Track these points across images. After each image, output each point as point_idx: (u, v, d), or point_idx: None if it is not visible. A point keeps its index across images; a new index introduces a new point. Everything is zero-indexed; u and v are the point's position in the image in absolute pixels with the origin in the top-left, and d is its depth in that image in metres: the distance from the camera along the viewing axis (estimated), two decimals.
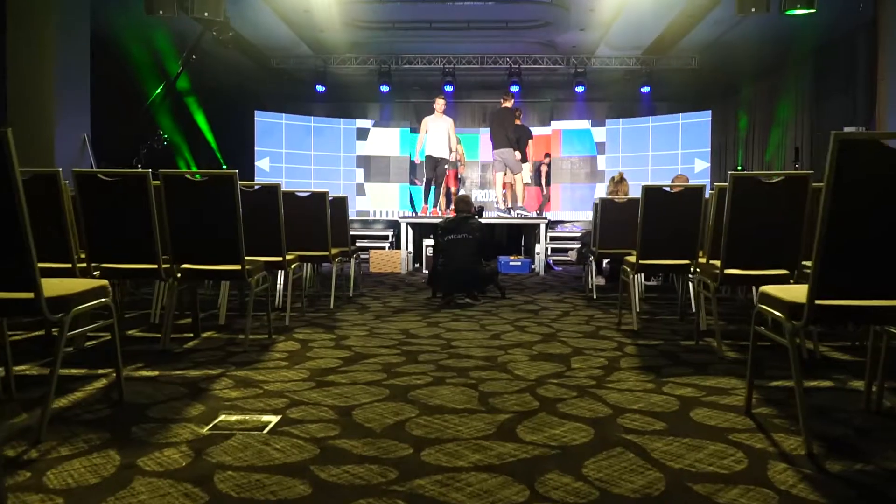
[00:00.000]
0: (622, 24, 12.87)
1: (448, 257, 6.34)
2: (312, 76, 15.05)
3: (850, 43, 11.43)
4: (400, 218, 10.16)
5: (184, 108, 12.80)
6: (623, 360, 3.89)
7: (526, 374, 3.50)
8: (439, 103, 10.74)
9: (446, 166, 10.95)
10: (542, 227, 9.77)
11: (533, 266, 10.24)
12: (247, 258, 4.18)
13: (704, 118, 14.74)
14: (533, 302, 6.57)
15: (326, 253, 5.95)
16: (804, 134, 13.01)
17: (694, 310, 5.16)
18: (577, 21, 12.94)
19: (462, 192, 13.92)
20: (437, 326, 5.05)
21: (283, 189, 4.97)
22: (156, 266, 4.01)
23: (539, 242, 9.83)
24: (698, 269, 4.68)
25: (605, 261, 7.37)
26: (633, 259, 5.05)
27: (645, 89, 14.91)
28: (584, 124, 15.99)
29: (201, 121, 13.48)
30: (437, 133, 10.61)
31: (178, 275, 4.18)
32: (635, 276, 5.15)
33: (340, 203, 6.87)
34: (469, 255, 6.30)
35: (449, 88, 15.02)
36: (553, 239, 12.53)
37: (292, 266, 5.13)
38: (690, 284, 5.01)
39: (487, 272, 6.56)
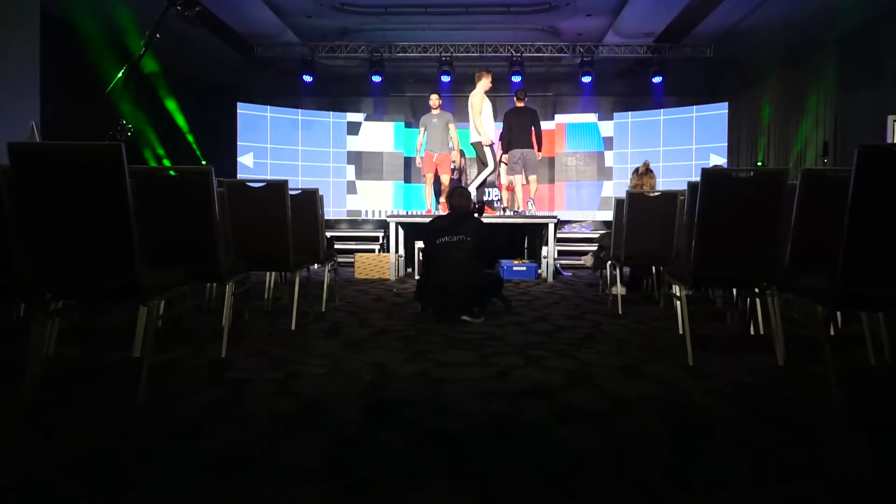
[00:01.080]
0: (632, 9, 11.58)
1: (440, 264, 5.03)
2: (299, 66, 13.74)
3: (878, 29, 10.11)
4: (389, 217, 8.80)
5: (153, 97, 11.38)
6: (701, 419, 2.58)
7: (554, 459, 2.19)
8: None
9: (453, 165, 9.93)
10: (551, 227, 8.44)
11: (540, 271, 8.94)
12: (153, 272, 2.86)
13: (720, 111, 13.43)
14: (545, 318, 5.26)
15: (287, 259, 4.63)
16: (832, 127, 11.71)
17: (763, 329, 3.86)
18: (583, 5, 11.64)
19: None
20: (424, 359, 3.74)
21: (233, 179, 3.68)
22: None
23: (547, 245, 8.51)
24: (776, 287, 3.38)
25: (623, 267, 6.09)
26: (674, 267, 3.74)
27: (656, 79, 13.60)
28: (591, 118, 14.68)
29: (175, 111, 12.10)
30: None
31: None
32: (683, 290, 3.83)
33: (309, 198, 5.55)
34: (466, 261, 4.99)
35: (446, 79, 13.70)
36: (560, 241, 11.20)
37: (233, 279, 3.83)
38: (770, 303, 3.65)
39: (489, 282, 5.24)
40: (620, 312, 5.49)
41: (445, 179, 9.61)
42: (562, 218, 13.28)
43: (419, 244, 8.64)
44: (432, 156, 9.52)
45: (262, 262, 4.72)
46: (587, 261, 7.38)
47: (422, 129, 9.80)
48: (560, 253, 10.46)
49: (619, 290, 6.14)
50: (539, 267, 8.92)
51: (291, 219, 4.72)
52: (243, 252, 4.54)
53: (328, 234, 7.03)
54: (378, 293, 7.05)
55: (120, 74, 9.42)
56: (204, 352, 3.83)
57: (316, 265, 6.15)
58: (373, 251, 11.02)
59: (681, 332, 4.19)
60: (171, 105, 11.91)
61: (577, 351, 3.98)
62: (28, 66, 7.87)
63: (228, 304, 3.82)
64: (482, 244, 5.07)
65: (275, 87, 14.74)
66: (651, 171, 6.55)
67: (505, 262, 8.84)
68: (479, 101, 9.25)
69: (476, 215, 5.37)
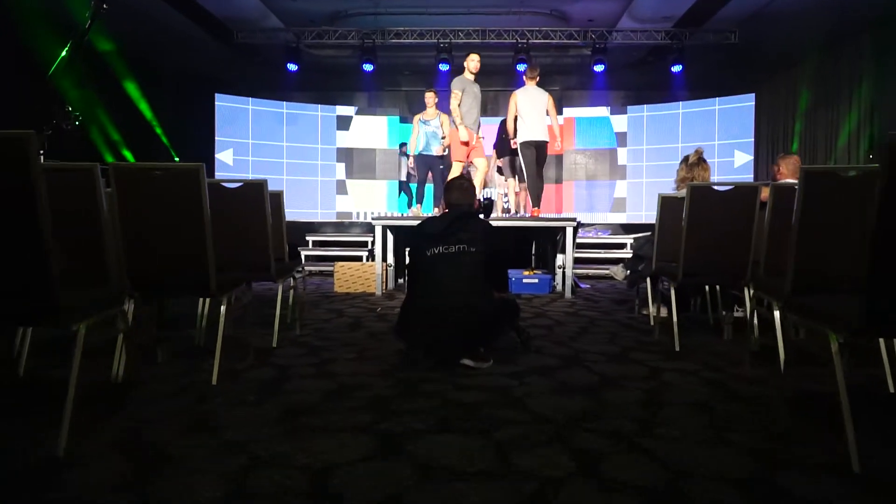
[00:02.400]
0: None
1: (432, 285, 3.46)
2: (284, 54, 12.18)
3: None
4: (375, 219, 7.19)
5: (109, 80, 9.72)
6: None
7: None
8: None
9: (442, 167, 8.48)
10: (569, 232, 6.86)
11: (554, 283, 7.38)
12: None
13: (747, 103, 11.90)
14: (578, 359, 3.70)
15: (205, 279, 3.06)
16: (872, 120, 10.16)
17: None
18: None
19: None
20: (398, 456, 2.16)
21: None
22: None
23: (564, 252, 6.93)
24: None
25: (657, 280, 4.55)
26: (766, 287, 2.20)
27: (676, 68, 12.05)
28: (602, 111, 13.13)
29: (139, 99, 10.46)
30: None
31: None
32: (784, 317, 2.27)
33: (254, 194, 3.97)
34: (469, 280, 3.45)
35: (444, 67, 12.15)
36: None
37: (123, 304, 2.29)
38: None
39: (501, 310, 3.65)
40: (677, 349, 3.92)
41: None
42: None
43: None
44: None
45: (162, 282, 3.15)
46: (616, 273, 5.82)
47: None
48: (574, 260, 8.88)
49: (659, 311, 4.64)
50: (553, 279, 7.36)
51: (228, 221, 3.17)
52: (142, 268, 2.99)
53: (324, 238, 5.47)
54: (357, 314, 5.48)
55: (64, 53, 7.86)
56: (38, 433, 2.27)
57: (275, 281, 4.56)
58: (360, 259, 9.46)
59: (772, 386, 2.64)
60: (133, 91, 10.30)
61: (650, 434, 2.41)
62: None
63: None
64: (492, 257, 3.50)
65: (257, 78, 13.17)
66: (705, 162, 5.00)
67: (512, 273, 7.30)
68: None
69: (482, 216, 3.83)
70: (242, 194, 4.19)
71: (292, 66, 12.15)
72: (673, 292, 3.99)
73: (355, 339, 4.31)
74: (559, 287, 7.46)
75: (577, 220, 6.99)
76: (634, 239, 5.34)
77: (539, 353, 3.87)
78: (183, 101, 12.12)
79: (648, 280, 4.97)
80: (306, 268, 9.47)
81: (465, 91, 7.42)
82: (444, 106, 8.37)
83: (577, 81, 14.04)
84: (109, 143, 9.39)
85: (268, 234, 4.15)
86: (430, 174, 8.55)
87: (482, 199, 5.83)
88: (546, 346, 4.11)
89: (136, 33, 9.96)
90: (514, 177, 9.23)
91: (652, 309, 4.98)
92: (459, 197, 3.66)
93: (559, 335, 4.53)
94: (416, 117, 8.46)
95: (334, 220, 12.55)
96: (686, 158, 5.07)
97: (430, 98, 8.43)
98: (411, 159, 8.37)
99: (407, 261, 7.19)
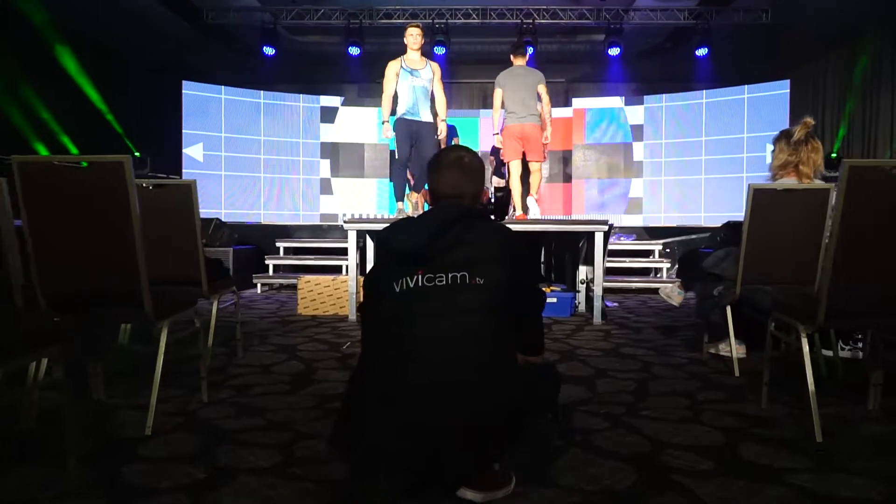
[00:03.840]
0: None
1: (405, 351, 1.75)
2: (260, 36, 10.59)
3: None
4: (348, 223, 5.50)
5: (45, 60, 8.03)
6: None
7: None
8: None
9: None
10: (598, 238, 5.22)
11: (577, 303, 5.78)
12: None
13: (780, 90, 10.27)
14: (661, 466, 2.09)
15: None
16: None
17: None
18: None
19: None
20: None
21: None
22: None
23: (592, 264, 5.28)
24: None
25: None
26: None
27: (700, 52, 10.46)
28: (615, 102, 11.50)
29: (85, 85, 8.78)
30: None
31: None
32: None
33: (181, 197, 2.40)
34: (475, 341, 1.76)
35: (441, 51, 10.56)
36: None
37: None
38: None
39: (532, 392, 1.87)
40: (819, 439, 2.30)
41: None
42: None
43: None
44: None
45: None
46: (671, 295, 4.20)
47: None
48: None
49: (734, 349, 3.09)
50: (575, 298, 5.75)
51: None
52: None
53: (297, 244, 3.90)
54: (313, 354, 3.86)
55: None
56: None
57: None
58: (340, 271, 7.83)
59: None
60: (77, 74, 8.65)
61: None
62: None
63: None
64: (519, 291, 1.87)
65: (231, 64, 11.54)
66: (814, 139, 3.43)
67: None
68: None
69: (496, 216, 2.22)
70: (164, 198, 2.78)
71: (269, 51, 10.58)
72: (805, 342, 2.37)
73: (299, 405, 2.69)
74: (581, 306, 5.85)
75: (610, 222, 5.35)
76: (712, 255, 3.72)
77: (587, 445, 2.25)
78: (145, 89, 10.48)
79: (729, 309, 3.37)
80: (276, 281, 7.83)
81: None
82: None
83: (588, 70, 12.44)
84: (42, 131, 7.72)
85: (198, 248, 2.67)
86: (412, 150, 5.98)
87: (492, 192, 3.86)
88: (594, 424, 2.49)
89: (89, 9, 8.34)
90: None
91: (733, 349, 3.39)
92: (458, 181, 1.96)
93: (607, 396, 2.91)
94: (394, 63, 5.94)
95: (318, 222, 10.93)
96: (787, 134, 3.50)
97: (415, 36, 5.93)
98: (386, 127, 5.99)
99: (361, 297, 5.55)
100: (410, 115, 5.90)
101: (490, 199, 3.17)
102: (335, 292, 5.55)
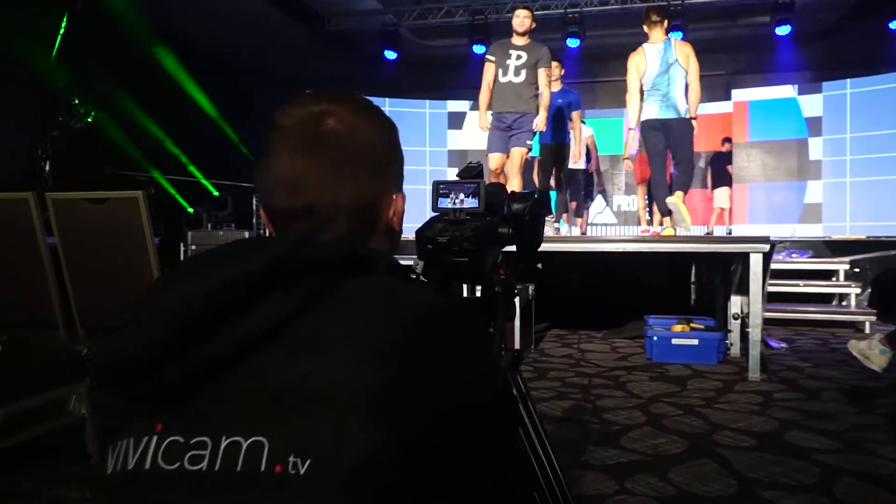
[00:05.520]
0: None
1: None
2: (381, 40, 9.87)
3: None
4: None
5: (153, 74, 7.58)
6: None
7: None
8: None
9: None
10: (755, 260, 3.75)
11: (729, 344, 4.32)
12: None
13: None
14: None
15: None
16: None
17: None
18: None
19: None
20: None
21: None
22: None
23: (748, 294, 3.77)
24: None
25: None
26: None
27: (895, 24, 8.37)
28: (787, 91, 9.59)
29: (195, 92, 8.34)
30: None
31: None
32: None
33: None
34: None
35: (574, 43, 9.28)
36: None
37: None
38: None
39: None
40: None
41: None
42: (750, 235, 8.31)
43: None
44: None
45: None
46: (870, 355, 2.73)
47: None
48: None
49: None
50: (726, 337, 4.29)
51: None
52: None
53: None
54: None
55: (62, 27, 5.94)
56: None
57: None
58: None
59: None
60: (190, 87, 8.28)
61: None
62: None
63: None
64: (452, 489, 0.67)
65: (353, 72, 10.89)
66: None
67: (655, 322, 4.36)
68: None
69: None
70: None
71: (391, 54, 9.83)
72: None
73: None
74: (735, 349, 4.37)
75: (772, 239, 3.84)
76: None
77: None
78: (263, 100, 10.06)
79: None
80: None
81: None
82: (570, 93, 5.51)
83: (752, 57, 10.52)
84: (151, 150, 7.32)
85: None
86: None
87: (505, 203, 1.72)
88: None
89: (193, 19, 7.99)
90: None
91: None
92: (304, 175, 0.77)
93: None
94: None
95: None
96: None
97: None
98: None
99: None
100: None
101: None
102: None
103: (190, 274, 0.63)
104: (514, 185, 5.15)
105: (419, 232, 1.14)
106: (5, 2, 5.28)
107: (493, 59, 5.13)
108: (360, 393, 0.57)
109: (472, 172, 1.21)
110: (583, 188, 7.43)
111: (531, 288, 4.56)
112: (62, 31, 5.96)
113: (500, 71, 5.09)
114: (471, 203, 1.14)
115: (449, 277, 1.13)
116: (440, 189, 1.17)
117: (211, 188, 8.30)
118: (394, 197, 0.84)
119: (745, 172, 9.61)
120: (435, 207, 1.18)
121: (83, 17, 5.89)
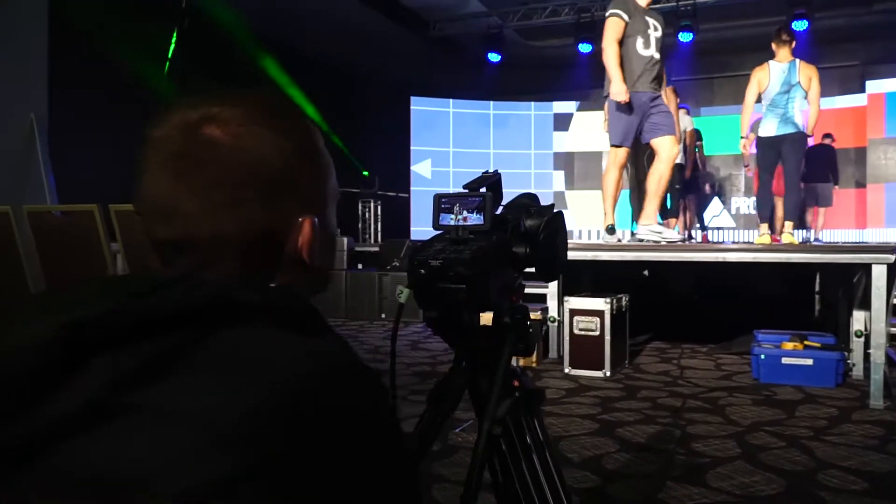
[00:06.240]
0: None
1: None
2: (485, 42, 9.77)
3: None
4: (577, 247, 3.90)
5: (250, 74, 7.77)
6: None
7: None
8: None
9: None
10: (878, 273, 3.30)
11: (851, 364, 3.85)
12: None
13: None
14: None
15: None
16: None
17: None
18: None
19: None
20: None
21: None
22: None
23: (870, 309, 3.33)
24: None
25: None
26: None
27: None
28: None
29: (299, 98, 8.57)
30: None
31: None
32: None
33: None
34: None
35: (686, 38, 8.77)
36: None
37: None
38: None
39: None
40: None
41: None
42: (877, 240, 7.50)
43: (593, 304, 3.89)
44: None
45: None
46: None
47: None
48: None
49: None
50: (847, 356, 3.83)
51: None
52: None
53: None
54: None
55: (173, 42, 6.23)
56: None
57: None
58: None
59: None
60: (296, 95, 8.52)
61: None
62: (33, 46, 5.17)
63: None
64: None
65: (458, 75, 10.85)
66: None
67: (764, 338, 3.97)
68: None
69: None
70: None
71: (494, 57, 9.70)
72: None
73: None
74: (857, 370, 3.89)
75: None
76: None
77: None
78: (369, 106, 10.19)
79: None
80: None
81: None
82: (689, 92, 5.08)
83: (887, 45, 9.56)
84: None
85: None
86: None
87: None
88: None
89: (299, 27, 8.21)
90: None
91: None
92: (176, 199, 0.61)
93: None
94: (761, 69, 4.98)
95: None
96: None
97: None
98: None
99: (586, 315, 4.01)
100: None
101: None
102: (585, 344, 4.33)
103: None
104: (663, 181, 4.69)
105: (412, 253, 1.00)
106: (122, 18, 5.57)
107: (626, 18, 4.25)
108: (197, 490, 0.43)
109: (482, 183, 1.05)
110: (680, 186, 6.95)
111: (625, 298, 4.26)
112: (172, 46, 6.23)
113: (641, 42, 4.30)
114: (475, 220, 0.99)
115: (445, 308, 0.99)
116: (442, 203, 1.02)
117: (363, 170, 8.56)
118: (300, 221, 0.65)
119: (882, 171, 8.72)
120: (436, 225, 1.03)
121: (190, 32, 6.14)
